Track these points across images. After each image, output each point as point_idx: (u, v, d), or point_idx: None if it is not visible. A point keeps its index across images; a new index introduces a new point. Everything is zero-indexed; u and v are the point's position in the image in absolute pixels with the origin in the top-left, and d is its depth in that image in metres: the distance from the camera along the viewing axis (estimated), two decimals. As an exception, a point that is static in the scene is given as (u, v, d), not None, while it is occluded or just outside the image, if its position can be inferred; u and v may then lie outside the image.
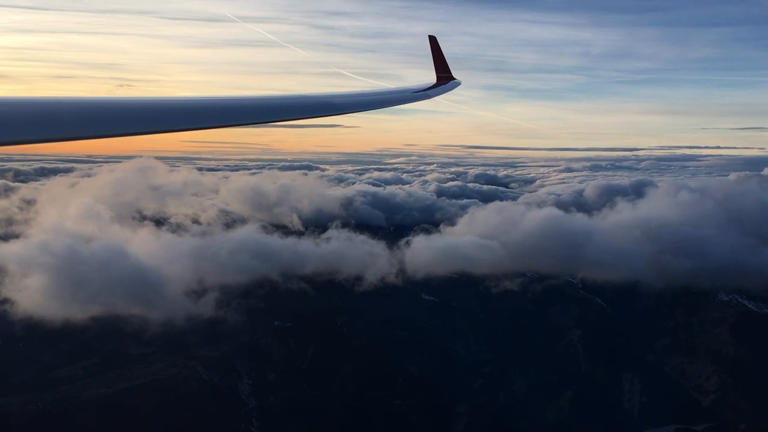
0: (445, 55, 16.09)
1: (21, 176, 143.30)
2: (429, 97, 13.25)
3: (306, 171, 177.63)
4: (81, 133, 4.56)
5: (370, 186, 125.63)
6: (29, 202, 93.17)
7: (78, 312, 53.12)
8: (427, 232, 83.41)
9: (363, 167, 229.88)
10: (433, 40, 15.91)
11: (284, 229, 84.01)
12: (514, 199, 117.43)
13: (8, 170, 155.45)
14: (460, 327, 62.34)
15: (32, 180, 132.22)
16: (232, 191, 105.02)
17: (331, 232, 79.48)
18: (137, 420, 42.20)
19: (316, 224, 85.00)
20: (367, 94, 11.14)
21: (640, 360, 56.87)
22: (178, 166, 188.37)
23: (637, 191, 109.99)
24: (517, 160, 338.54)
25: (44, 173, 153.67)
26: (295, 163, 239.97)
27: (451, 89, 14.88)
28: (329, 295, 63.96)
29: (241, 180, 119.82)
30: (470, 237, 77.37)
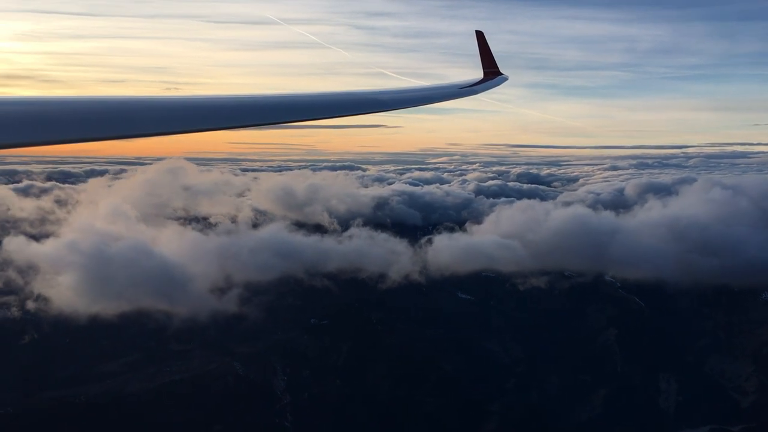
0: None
1: (72, 178, 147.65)
2: (476, 92, 12.99)
3: (347, 171, 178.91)
4: (120, 132, 4.56)
5: (408, 186, 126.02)
6: (64, 203, 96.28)
7: (115, 308, 55.01)
8: (451, 230, 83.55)
9: (405, 167, 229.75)
10: (480, 35, 15.56)
11: (313, 228, 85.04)
12: (554, 198, 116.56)
13: (59, 172, 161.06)
14: (495, 325, 62.38)
15: (82, 182, 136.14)
16: (263, 191, 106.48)
17: (357, 231, 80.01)
18: (176, 413, 43.70)
19: (347, 223, 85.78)
20: (413, 90, 10.88)
21: (678, 360, 56.14)
22: (223, 167, 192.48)
23: (679, 189, 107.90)
24: (561, 159, 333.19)
25: (94, 175, 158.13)
26: (338, 164, 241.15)
27: (498, 84, 14.59)
28: (360, 293, 64.64)
29: (272, 180, 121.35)
30: (495, 235, 77.11)
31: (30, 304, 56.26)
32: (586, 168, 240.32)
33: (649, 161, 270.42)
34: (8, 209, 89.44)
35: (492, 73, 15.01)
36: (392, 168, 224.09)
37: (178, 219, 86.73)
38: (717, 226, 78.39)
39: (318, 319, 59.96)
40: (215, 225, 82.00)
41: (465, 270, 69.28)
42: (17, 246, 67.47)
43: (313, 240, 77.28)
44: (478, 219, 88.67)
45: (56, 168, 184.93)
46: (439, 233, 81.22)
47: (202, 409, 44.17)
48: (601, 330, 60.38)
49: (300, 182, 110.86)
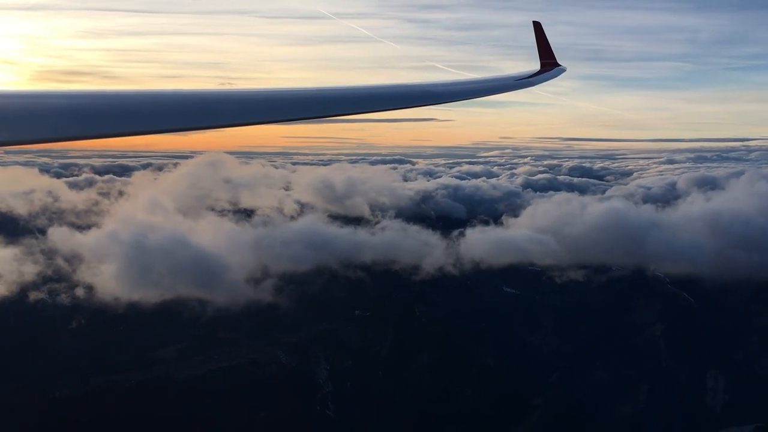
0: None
1: (129, 171, 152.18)
2: (532, 84, 12.75)
3: (396, 165, 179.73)
4: (173, 126, 4.58)
5: (454, 179, 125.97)
6: (111, 195, 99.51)
7: (159, 297, 57.05)
8: (490, 223, 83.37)
9: (455, 161, 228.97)
10: (537, 26, 15.24)
11: (354, 221, 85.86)
12: (603, 192, 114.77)
13: (119, 166, 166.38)
14: (538, 319, 62.20)
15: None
16: (304, 183, 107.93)
17: (397, 223, 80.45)
18: (222, 399, 45.21)
19: (388, 216, 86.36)
20: (467, 82, 10.77)
21: (727, 357, 54.96)
22: (275, 161, 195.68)
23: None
24: (616, 152, 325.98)
25: (159, 168, 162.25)
26: (387, 157, 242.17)
27: (556, 76, 14.29)
28: (401, 286, 65.20)
29: (312, 172, 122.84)
30: (532, 228, 76.91)
31: (77, 292, 58.75)
32: (641, 162, 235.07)
33: (708, 155, 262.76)
34: (55, 201, 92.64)
35: (549, 64, 14.77)
36: (443, 162, 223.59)
37: (218, 211, 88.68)
38: (759, 220, 76.15)
39: (362, 310, 60.87)
40: (257, 217, 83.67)
41: (505, 263, 69.11)
42: (61, 236, 70.56)
43: (354, 232, 78.18)
44: (515, 212, 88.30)
45: (115, 162, 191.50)
46: (481, 225, 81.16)
47: (247, 396, 45.54)
48: (647, 325, 59.53)
49: (339, 175, 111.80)
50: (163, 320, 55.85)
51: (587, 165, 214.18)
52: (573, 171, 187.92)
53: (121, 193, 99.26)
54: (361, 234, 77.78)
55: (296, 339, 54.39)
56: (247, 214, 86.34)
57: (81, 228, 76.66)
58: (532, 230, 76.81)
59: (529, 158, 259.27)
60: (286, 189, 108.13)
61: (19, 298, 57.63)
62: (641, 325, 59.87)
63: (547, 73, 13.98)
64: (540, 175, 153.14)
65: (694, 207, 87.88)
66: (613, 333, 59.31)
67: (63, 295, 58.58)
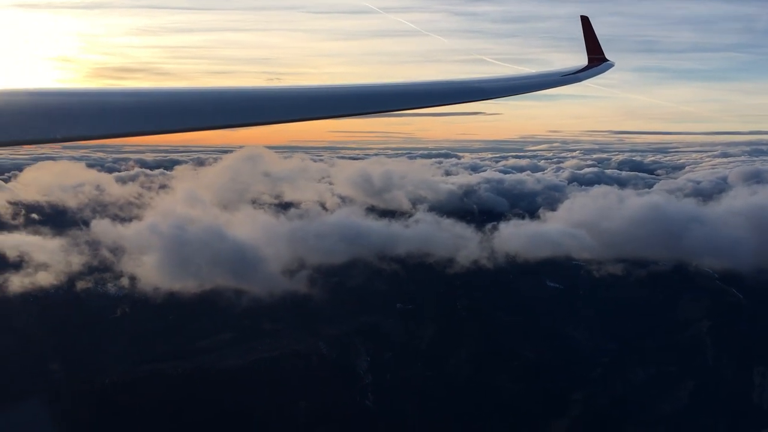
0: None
1: (179, 166, 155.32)
2: (579, 80, 12.67)
3: (442, 159, 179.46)
4: (221, 122, 4.68)
5: (499, 173, 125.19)
6: (154, 189, 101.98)
7: (205, 288, 58.57)
8: (524, 217, 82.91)
9: (502, 155, 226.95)
10: (585, 21, 15.05)
11: (393, 214, 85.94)
12: (650, 186, 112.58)
13: (169, 161, 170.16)
14: (580, 314, 61.65)
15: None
16: (343, 177, 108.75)
17: (437, 218, 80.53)
18: (264, 389, 46.42)
19: (427, 209, 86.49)
20: (514, 78, 10.80)
21: (776, 355, 53.66)
22: (322, 156, 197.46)
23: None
24: (669, 146, 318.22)
25: (200, 162, 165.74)
26: (433, 152, 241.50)
27: (604, 71, 14.13)
28: (443, 280, 65.44)
29: (351, 166, 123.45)
30: (570, 222, 76.46)
31: (122, 282, 60.51)
32: (694, 155, 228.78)
33: (765, 147, 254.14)
34: (101, 194, 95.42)
35: (597, 59, 14.64)
36: (489, 156, 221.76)
37: (258, 204, 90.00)
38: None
39: (403, 304, 61.40)
40: (296, 210, 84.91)
41: (547, 257, 68.60)
42: (105, 228, 73.06)
43: (392, 225, 78.76)
44: (553, 206, 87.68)
45: (166, 156, 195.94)
46: (520, 219, 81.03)
47: (287, 387, 46.63)
48: (692, 321, 58.47)
49: (377, 168, 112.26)
50: (205, 310, 57.25)
51: (638, 159, 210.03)
52: (623, 165, 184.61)
53: (163, 187, 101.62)
54: (399, 227, 78.35)
55: (337, 331, 55.21)
56: (286, 207, 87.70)
57: (124, 220, 79.12)
58: (571, 224, 76.16)
59: (577, 152, 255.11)
60: (326, 182, 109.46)
61: (68, 288, 59.81)
62: (686, 321, 58.83)
63: (594, 68, 13.90)
64: (587, 169, 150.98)
65: (737, 201, 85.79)
66: (656, 329, 58.41)
67: (108, 285, 60.54)
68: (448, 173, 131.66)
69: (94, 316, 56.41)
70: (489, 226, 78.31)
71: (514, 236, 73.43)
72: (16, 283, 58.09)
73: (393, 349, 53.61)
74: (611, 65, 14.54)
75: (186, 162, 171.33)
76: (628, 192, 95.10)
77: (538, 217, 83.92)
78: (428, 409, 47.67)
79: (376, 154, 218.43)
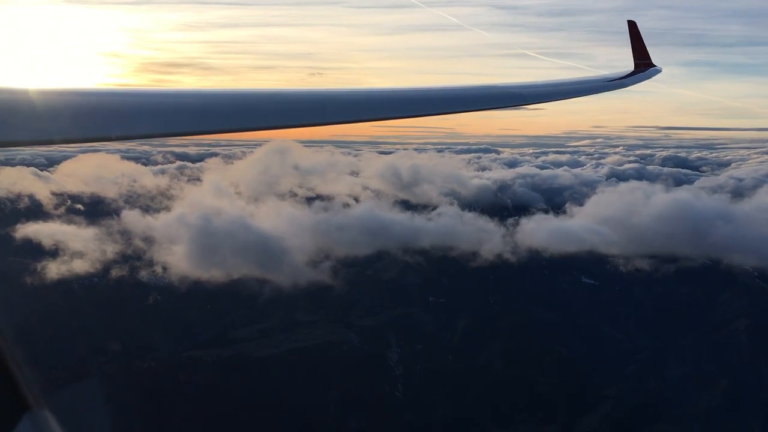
0: (642, 36, 15.03)
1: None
2: (624, 86, 12.49)
3: (481, 155, 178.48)
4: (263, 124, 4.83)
5: (536, 169, 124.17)
6: (185, 181, 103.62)
7: (236, 277, 60.04)
8: (548, 212, 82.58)
9: (543, 150, 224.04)
10: (632, 25, 14.86)
11: (419, 208, 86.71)
12: (690, 183, 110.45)
13: (211, 154, 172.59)
14: (616, 311, 61.25)
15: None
16: (374, 170, 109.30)
17: (462, 211, 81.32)
18: (295, 378, 47.54)
19: (458, 204, 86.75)
20: (557, 83, 10.71)
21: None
22: (361, 150, 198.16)
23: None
24: (716, 142, 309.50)
25: (232, 156, 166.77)
26: (473, 147, 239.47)
27: (651, 77, 13.95)
28: (476, 274, 65.65)
29: (380, 160, 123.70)
30: (595, 218, 76.41)
31: (155, 270, 62.32)
32: (742, 152, 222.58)
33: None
34: (136, 185, 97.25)
35: (644, 64, 14.43)
36: (530, 151, 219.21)
37: (287, 196, 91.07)
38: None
39: (436, 297, 61.88)
40: (325, 202, 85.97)
41: (584, 252, 68.40)
42: (138, 218, 75.21)
43: (423, 219, 79.27)
44: (581, 201, 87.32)
45: (209, 150, 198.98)
46: (555, 214, 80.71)
47: (318, 376, 47.64)
48: (730, 319, 57.64)
49: (405, 162, 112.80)
50: (240, 301, 58.75)
51: (683, 155, 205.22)
52: (666, 161, 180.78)
53: (196, 180, 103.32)
54: (427, 221, 78.86)
55: (370, 323, 56.01)
56: (316, 199, 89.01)
57: (155, 211, 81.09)
58: (598, 219, 76.37)
59: (620, 148, 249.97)
60: (355, 176, 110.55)
61: (102, 275, 61.68)
62: (724, 319, 58.06)
63: (641, 74, 13.73)
64: (627, 165, 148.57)
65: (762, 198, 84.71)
66: (693, 326, 57.80)
67: (142, 272, 62.39)
68: (482, 168, 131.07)
69: (129, 302, 58.16)
70: (522, 220, 78.34)
71: (545, 231, 73.37)
72: (53, 270, 60.29)
73: (424, 342, 54.14)
74: (658, 71, 14.41)
75: (226, 155, 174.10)
76: (657, 188, 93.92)
77: (565, 212, 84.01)
78: (458, 401, 48.06)
79: (417, 149, 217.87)
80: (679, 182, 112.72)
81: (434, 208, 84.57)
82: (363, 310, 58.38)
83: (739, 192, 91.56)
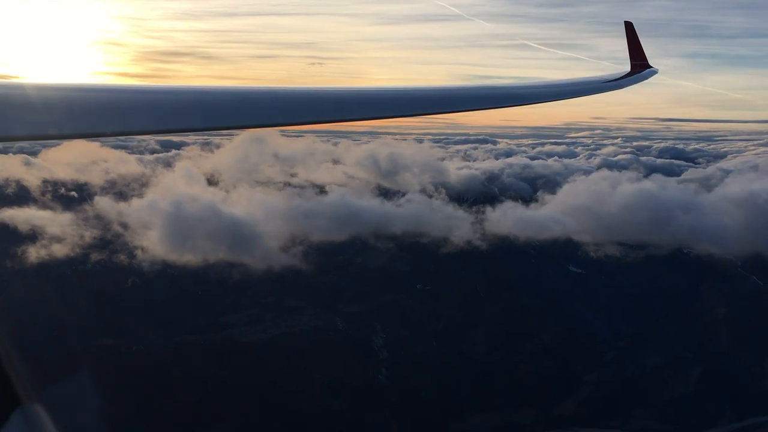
0: (643, 30, 16.02)
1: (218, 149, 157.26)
2: (621, 87, 12.59)
3: (477, 145, 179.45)
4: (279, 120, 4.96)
5: (526, 159, 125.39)
6: (167, 168, 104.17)
7: (220, 262, 61.12)
8: (529, 201, 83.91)
9: (541, 141, 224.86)
10: (629, 26, 15.07)
11: (400, 195, 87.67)
12: (678, 174, 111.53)
13: (199, 142, 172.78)
14: (599, 299, 62.40)
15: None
16: (354, 158, 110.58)
17: (420, 197, 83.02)
18: (282, 361, 48.89)
19: (440, 192, 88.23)
20: (555, 84, 11.02)
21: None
22: (364, 140, 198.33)
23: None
24: (716, 134, 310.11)
25: (208, 144, 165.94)
26: (472, 137, 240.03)
27: (647, 78, 14.16)
28: (461, 261, 66.76)
29: (361, 148, 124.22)
30: (566, 207, 78.74)
31: (136, 254, 62.99)
32: (740, 144, 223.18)
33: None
34: (114, 172, 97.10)
35: (640, 66, 14.65)
36: (528, 142, 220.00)
37: (268, 184, 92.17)
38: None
39: (423, 284, 63.03)
40: (306, 189, 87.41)
41: (567, 241, 69.69)
42: (116, 204, 76.04)
43: (405, 207, 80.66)
44: (552, 189, 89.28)
45: (207, 138, 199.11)
46: (537, 203, 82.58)
47: (303, 360, 48.95)
48: (710, 308, 58.90)
49: (385, 151, 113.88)
50: (225, 286, 59.82)
51: (680, 147, 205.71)
52: (664, 152, 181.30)
53: (177, 167, 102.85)
54: (406, 209, 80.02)
55: (357, 309, 57.18)
56: (296, 187, 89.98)
57: (138, 197, 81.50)
58: (568, 208, 78.48)
59: (619, 139, 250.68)
60: (336, 163, 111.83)
61: (82, 260, 62.22)
62: (704, 307, 59.29)
63: (637, 75, 13.90)
64: (620, 156, 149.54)
65: (730, 189, 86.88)
66: (674, 314, 59.06)
67: (124, 257, 62.82)
68: (474, 159, 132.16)
69: (109, 287, 58.62)
70: (506, 209, 79.63)
71: (524, 219, 75.01)
72: (33, 254, 60.90)
73: (410, 328, 55.34)
74: (655, 72, 14.62)
75: (222, 143, 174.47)
76: (625, 177, 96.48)
77: (537, 201, 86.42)
78: (440, 385, 49.34)
79: (416, 140, 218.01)
80: (670, 173, 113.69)
81: (403, 194, 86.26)
82: (351, 297, 59.51)
83: (714, 184, 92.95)
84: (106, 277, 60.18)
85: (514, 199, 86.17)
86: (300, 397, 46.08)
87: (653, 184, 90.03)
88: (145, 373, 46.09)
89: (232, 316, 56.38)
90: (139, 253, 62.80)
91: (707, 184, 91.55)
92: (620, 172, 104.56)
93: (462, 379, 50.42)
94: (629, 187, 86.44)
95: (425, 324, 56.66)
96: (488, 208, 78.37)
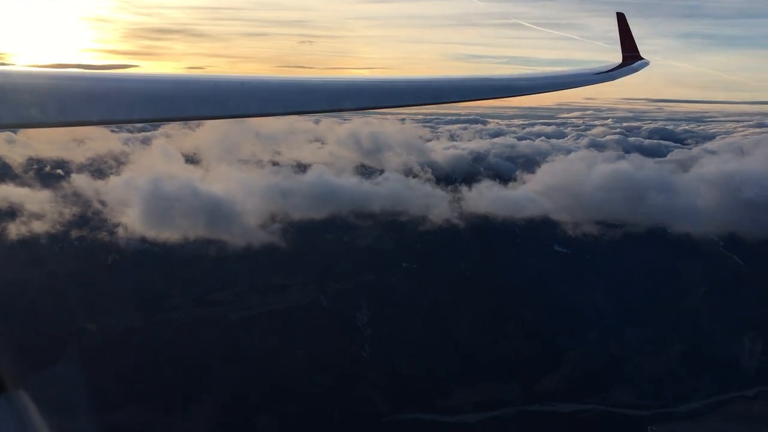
0: (634, 20, 15.43)
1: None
2: (612, 78, 12.72)
3: (467, 125, 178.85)
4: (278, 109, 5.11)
5: (513, 139, 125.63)
6: (148, 147, 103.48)
7: (207, 240, 61.18)
8: (493, 179, 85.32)
9: (531, 122, 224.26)
10: (621, 17, 15.08)
11: (371, 173, 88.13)
12: (662, 155, 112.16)
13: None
14: (585, 278, 62.86)
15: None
16: (337, 138, 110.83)
17: (396, 176, 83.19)
18: (267, 337, 49.33)
19: (426, 172, 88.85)
20: (547, 76, 11.27)
21: (768, 322, 54.70)
22: (349, 119, 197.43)
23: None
24: (707, 115, 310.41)
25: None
26: (463, 117, 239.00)
27: (638, 70, 14.21)
28: (448, 241, 67.07)
29: (340, 128, 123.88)
30: (544, 186, 79.63)
31: (117, 231, 62.32)
32: (728, 125, 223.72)
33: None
34: (98, 151, 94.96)
35: (632, 57, 14.66)
36: (519, 122, 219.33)
37: (248, 162, 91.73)
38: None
39: (409, 263, 63.34)
40: (289, 168, 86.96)
41: (554, 221, 70.29)
42: (91, 182, 74.96)
43: (390, 186, 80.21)
44: (531, 169, 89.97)
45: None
46: (523, 183, 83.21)
47: (288, 337, 49.41)
48: (691, 287, 59.61)
49: (367, 130, 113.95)
50: (216, 264, 59.77)
51: (670, 128, 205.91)
52: (653, 133, 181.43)
53: (159, 146, 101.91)
54: (393, 188, 79.81)
55: (342, 286, 57.56)
56: (276, 164, 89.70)
57: (118, 174, 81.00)
58: (546, 188, 79.27)
59: (609, 120, 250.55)
60: (318, 142, 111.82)
61: (62, 238, 61.37)
62: (686, 286, 59.97)
63: (628, 66, 13.94)
64: (608, 137, 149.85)
65: (707, 169, 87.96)
66: (656, 293, 59.65)
67: (101, 234, 62.57)
68: (457, 138, 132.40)
69: (91, 264, 58.18)
70: (492, 187, 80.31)
71: (527, 200, 75.26)
72: (13, 231, 60.23)
73: (394, 306, 55.75)
74: (646, 63, 14.66)
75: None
76: (606, 157, 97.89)
77: (515, 180, 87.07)
78: (422, 361, 49.91)
79: (403, 120, 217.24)
80: (656, 154, 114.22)
81: (381, 173, 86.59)
82: (338, 274, 59.81)
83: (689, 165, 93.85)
84: (86, 254, 59.71)
85: (493, 178, 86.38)
86: (285, 373, 46.55)
87: (629, 165, 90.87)
88: (130, 352, 46.30)
89: (217, 294, 56.57)
90: (119, 230, 62.44)
91: (688, 165, 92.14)
92: (601, 152, 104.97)
93: (445, 356, 51.02)
94: (606, 167, 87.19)
95: (409, 302, 57.07)
96: (465, 188, 78.93)
